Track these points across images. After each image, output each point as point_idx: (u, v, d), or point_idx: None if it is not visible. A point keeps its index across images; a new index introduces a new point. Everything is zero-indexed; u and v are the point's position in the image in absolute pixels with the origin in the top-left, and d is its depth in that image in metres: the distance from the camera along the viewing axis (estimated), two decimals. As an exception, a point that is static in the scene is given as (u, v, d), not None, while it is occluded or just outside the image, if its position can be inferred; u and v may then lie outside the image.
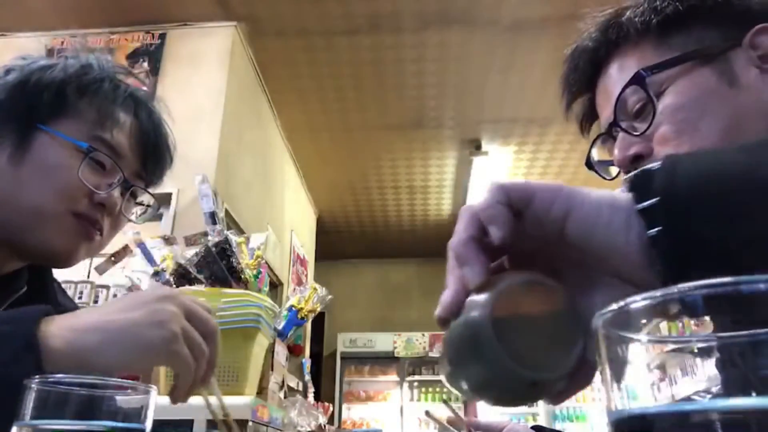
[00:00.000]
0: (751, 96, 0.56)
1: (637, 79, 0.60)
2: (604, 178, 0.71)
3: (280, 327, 1.65)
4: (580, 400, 6.68)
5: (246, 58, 3.82)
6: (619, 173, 0.68)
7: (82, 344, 0.52)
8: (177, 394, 0.57)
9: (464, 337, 0.37)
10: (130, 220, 0.84)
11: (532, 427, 0.90)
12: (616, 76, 0.65)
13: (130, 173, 0.80)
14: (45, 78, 0.74)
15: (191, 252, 1.49)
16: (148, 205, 0.88)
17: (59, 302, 0.83)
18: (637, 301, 0.25)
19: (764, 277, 0.22)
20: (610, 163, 0.69)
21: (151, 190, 0.88)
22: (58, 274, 0.86)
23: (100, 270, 2.03)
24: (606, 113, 0.67)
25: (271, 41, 3.79)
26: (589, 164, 0.72)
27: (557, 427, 6.54)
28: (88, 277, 2.75)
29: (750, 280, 0.22)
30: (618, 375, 0.26)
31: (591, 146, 0.71)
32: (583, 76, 0.73)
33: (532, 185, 0.37)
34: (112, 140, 0.77)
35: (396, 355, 7.03)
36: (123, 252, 1.98)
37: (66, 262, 0.77)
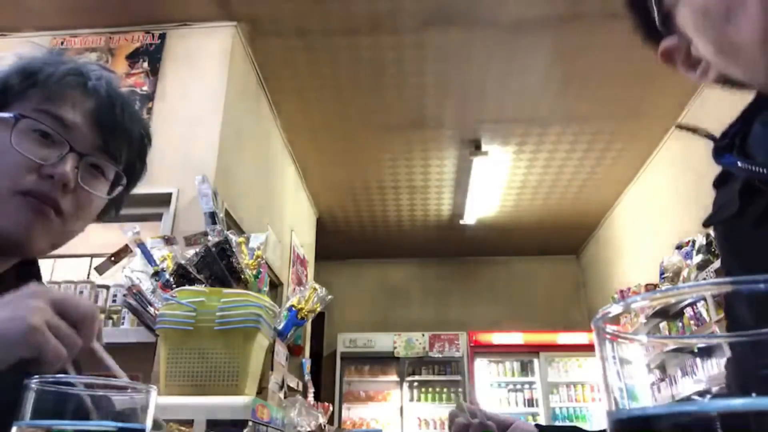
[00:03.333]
0: None
1: None
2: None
3: (280, 327, 1.65)
4: (580, 399, 6.69)
5: (246, 58, 3.82)
6: None
7: None
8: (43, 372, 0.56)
9: None
10: (94, 194, 0.78)
11: (536, 425, 0.90)
12: None
13: (87, 147, 0.76)
14: None
15: (191, 252, 1.49)
16: (116, 180, 0.83)
17: None
18: (637, 301, 0.25)
19: (764, 277, 0.22)
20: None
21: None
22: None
23: (100, 270, 2.04)
24: None
25: (271, 41, 3.79)
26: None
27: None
28: (88, 277, 2.75)
29: (750, 280, 0.22)
30: (618, 375, 0.26)
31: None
32: None
33: None
34: (56, 111, 0.74)
35: (396, 355, 7.03)
36: (123, 252, 1.98)
37: (27, 247, 0.74)
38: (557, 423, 6.42)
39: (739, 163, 0.55)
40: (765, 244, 0.54)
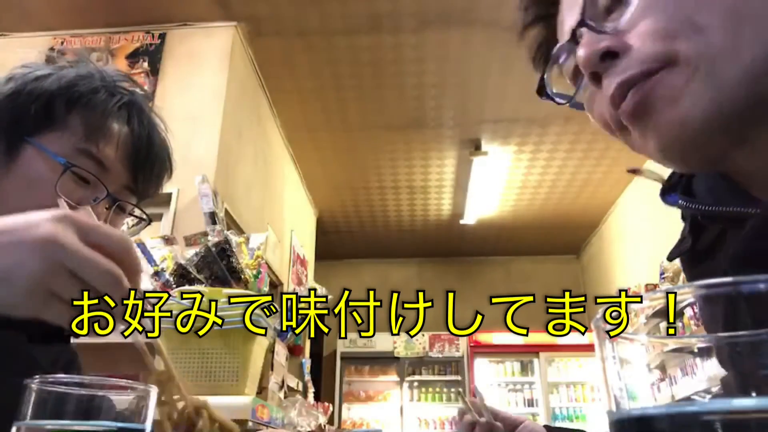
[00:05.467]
0: None
1: None
2: (558, 104, 0.63)
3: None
4: (580, 399, 6.68)
5: (246, 58, 3.82)
6: (575, 93, 0.59)
7: None
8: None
9: None
10: None
11: (544, 426, 0.90)
12: None
13: (118, 186, 0.78)
14: (37, 89, 0.73)
15: (191, 252, 1.49)
16: (141, 218, 0.86)
17: None
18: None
19: (764, 277, 0.22)
20: (569, 98, 0.61)
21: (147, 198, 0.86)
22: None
23: (100, 270, 2.03)
24: (570, 21, 0.55)
25: (271, 41, 3.79)
26: (541, 90, 0.62)
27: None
28: (88, 277, 2.75)
29: (750, 280, 0.22)
30: (618, 375, 0.26)
31: (548, 64, 0.61)
32: None
33: None
34: (97, 153, 0.75)
35: (396, 355, 7.02)
36: (123, 252, 1.98)
37: None
38: (557, 423, 6.42)
39: (680, 201, 0.57)
40: (710, 275, 0.52)
